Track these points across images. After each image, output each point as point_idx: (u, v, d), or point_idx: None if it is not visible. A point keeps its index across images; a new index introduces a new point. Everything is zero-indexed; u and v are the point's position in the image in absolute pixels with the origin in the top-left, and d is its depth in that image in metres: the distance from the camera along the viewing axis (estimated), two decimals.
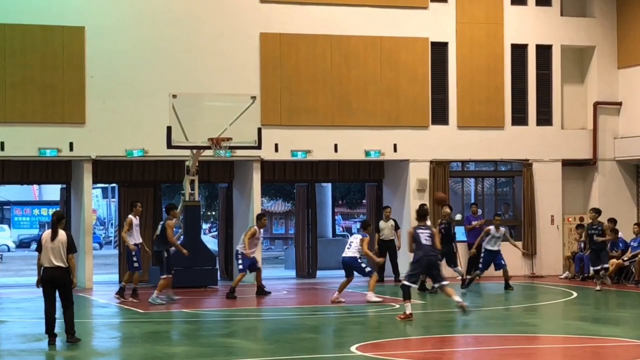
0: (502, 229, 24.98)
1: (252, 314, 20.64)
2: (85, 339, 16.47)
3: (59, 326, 15.58)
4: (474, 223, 28.40)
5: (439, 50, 28.94)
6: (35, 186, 67.66)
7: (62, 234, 15.41)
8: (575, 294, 23.59)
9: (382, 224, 27.74)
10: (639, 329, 17.26)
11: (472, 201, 31.18)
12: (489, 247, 24.84)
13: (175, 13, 26.85)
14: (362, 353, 14.16)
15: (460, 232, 29.97)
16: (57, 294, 15.44)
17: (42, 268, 15.44)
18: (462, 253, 28.96)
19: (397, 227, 27.51)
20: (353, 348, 14.55)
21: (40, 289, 15.51)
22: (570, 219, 29.81)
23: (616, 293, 24.34)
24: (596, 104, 30.04)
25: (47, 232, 15.47)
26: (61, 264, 15.30)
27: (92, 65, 26.17)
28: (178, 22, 26.83)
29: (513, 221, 30.16)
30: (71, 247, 15.42)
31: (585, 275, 27.29)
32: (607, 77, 30.12)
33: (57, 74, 25.95)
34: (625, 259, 26.20)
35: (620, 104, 30.11)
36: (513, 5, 29.47)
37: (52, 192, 57.32)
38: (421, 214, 18.81)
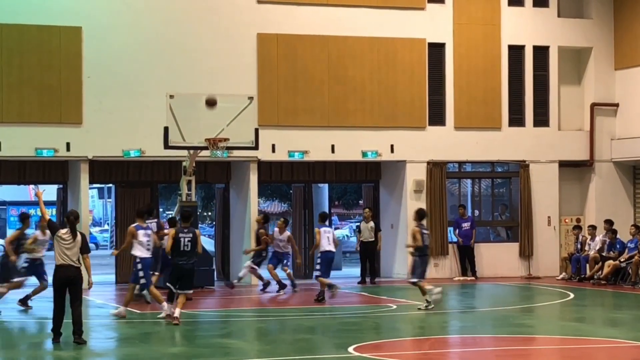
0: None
1: (249, 314, 20.64)
2: None
3: (64, 326, 15.58)
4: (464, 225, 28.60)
5: (436, 51, 28.94)
6: (32, 186, 67.56)
7: (77, 234, 15.57)
8: (572, 295, 23.60)
9: (362, 225, 27.83)
10: (635, 330, 17.27)
11: (469, 202, 31.25)
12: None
13: (172, 13, 26.83)
14: (360, 354, 14.15)
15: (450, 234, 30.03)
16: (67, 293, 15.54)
17: (55, 265, 15.52)
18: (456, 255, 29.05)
19: (377, 229, 27.60)
20: (351, 349, 14.55)
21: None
22: (567, 220, 29.82)
23: (613, 294, 24.36)
24: (593, 105, 30.05)
25: (65, 230, 15.51)
26: (74, 263, 15.45)
27: (89, 66, 26.14)
28: (175, 22, 26.81)
29: (510, 222, 30.17)
30: (85, 248, 15.63)
31: (582, 276, 27.32)
32: (604, 79, 30.13)
33: (54, 74, 25.92)
34: (622, 260, 26.22)
35: (617, 105, 30.12)
36: (510, 7, 29.46)
37: (49, 192, 57.26)
38: (186, 215, 18.10)
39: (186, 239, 17.51)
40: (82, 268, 15.68)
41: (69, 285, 15.48)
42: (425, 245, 20.68)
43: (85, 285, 15.99)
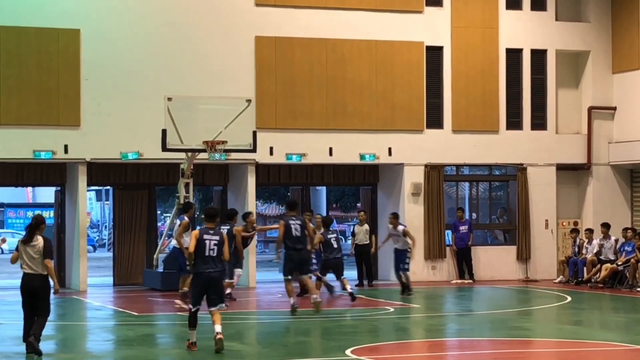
0: (400, 227, 24.07)
1: (247, 316, 20.65)
2: (79, 341, 16.50)
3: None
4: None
5: (434, 54, 28.96)
6: (29, 188, 67.59)
7: (39, 239, 14.68)
8: (569, 298, 23.62)
9: (356, 228, 27.85)
10: (632, 333, 17.29)
11: (467, 205, 31.25)
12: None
13: (170, 16, 26.84)
14: (357, 357, 14.17)
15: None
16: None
17: (22, 274, 14.82)
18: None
19: (372, 232, 27.63)
20: (348, 351, 14.56)
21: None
22: (564, 224, 29.83)
23: (610, 297, 24.39)
24: (591, 109, 30.07)
25: (25, 238, 14.68)
26: (39, 271, 14.63)
27: (87, 68, 26.15)
28: (173, 25, 26.83)
29: (507, 225, 30.20)
30: (47, 253, 14.64)
31: (579, 279, 27.35)
32: (601, 82, 30.15)
33: (52, 76, 25.93)
34: (619, 263, 26.24)
35: (614, 108, 30.15)
36: (508, 10, 29.49)
37: (46, 194, 57.23)
38: (211, 214, 15.54)
39: (212, 242, 15.00)
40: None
41: (34, 297, 14.62)
42: (295, 237, 20.06)
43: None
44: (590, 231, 27.99)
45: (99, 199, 73.73)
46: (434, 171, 28.76)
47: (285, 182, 30.10)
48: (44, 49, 25.91)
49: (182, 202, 25.36)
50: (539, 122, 29.85)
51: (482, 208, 31.09)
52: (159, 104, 24.96)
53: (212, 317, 15.11)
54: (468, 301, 24.23)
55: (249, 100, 25.29)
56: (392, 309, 21.05)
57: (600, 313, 21.83)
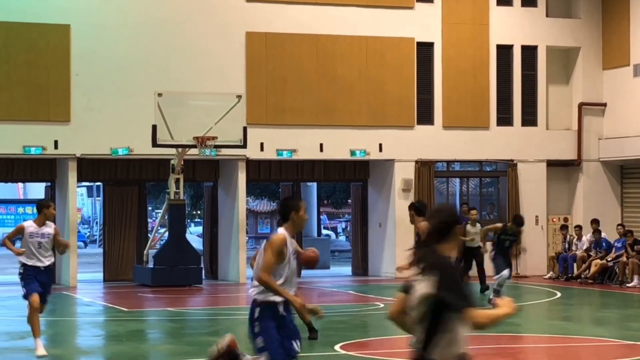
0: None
1: (236, 312, 20.65)
2: (69, 337, 16.48)
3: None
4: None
5: (425, 50, 28.98)
6: (20, 184, 67.49)
7: None
8: (559, 294, 23.66)
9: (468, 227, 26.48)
10: (622, 329, 17.33)
11: (457, 201, 31.26)
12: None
13: (161, 12, 26.81)
14: (346, 352, 14.18)
15: None
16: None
17: None
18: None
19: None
20: (337, 347, 14.57)
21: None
22: (554, 220, 29.88)
23: (600, 293, 24.44)
24: (581, 105, 30.13)
25: None
26: None
27: (77, 64, 26.10)
28: (164, 20, 26.80)
29: (498, 221, 30.19)
30: None
31: (569, 275, 27.41)
32: (592, 78, 30.21)
33: (43, 71, 25.88)
34: (609, 259, 26.31)
35: (605, 105, 30.20)
36: (499, 6, 29.51)
37: (37, 190, 57.19)
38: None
39: None
40: None
41: None
42: None
43: None
44: (579, 228, 28.04)
45: (90, 195, 73.65)
46: (424, 167, 28.78)
47: (275, 178, 30.12)
48: (33, 45, 25.85)
49: (172, 198, 25.37)
50: (529, 118, 29.89)
51: (473, 204, 31.03)
52: (149, 99, 24.95)
53: None
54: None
55: (239, 96, 25.28)
56: (382, 305, 21.06)
57: (590, 309, 21.87)
